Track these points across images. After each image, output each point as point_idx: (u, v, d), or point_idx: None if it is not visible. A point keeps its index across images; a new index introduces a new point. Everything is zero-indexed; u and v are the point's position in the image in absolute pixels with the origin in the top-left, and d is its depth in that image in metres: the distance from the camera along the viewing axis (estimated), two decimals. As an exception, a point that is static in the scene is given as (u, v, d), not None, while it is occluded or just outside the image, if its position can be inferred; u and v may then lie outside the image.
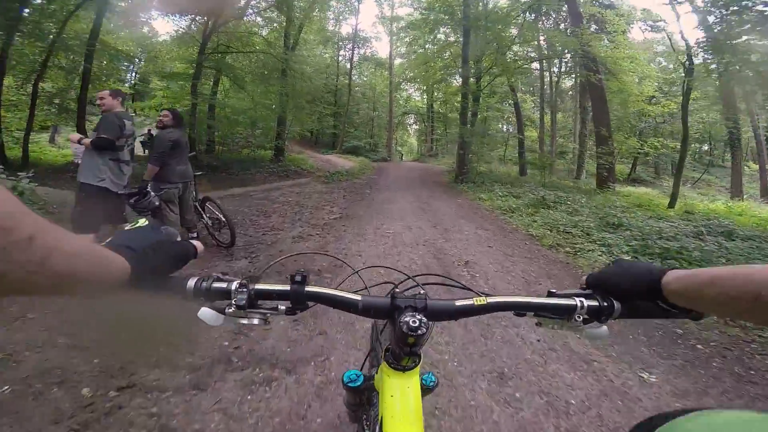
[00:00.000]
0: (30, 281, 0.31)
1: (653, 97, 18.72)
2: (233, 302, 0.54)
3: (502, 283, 3.82)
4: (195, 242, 0.58)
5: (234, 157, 14.58)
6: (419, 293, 0.57)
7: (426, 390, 0.78)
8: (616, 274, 0.57)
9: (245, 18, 14.77)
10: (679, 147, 12.62)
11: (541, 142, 19.44)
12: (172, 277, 0.54)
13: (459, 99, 15.89)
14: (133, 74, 22.30)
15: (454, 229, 6.24)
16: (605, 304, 0.56)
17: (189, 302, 0.54)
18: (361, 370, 0.87)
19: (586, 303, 0.56)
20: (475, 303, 0.57)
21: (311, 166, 16.10)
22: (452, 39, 18.81)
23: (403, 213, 7.47)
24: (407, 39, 25.40)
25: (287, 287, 0.57)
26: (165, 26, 60.39)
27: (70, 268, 0.35)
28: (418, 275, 0.76)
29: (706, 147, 29.97)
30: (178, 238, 0.58)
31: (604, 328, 0.58)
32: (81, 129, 11.13)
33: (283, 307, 0.57)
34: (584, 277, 0.62)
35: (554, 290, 0.61)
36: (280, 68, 14.32)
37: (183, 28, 14.13)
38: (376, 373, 0.77)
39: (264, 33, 15.78)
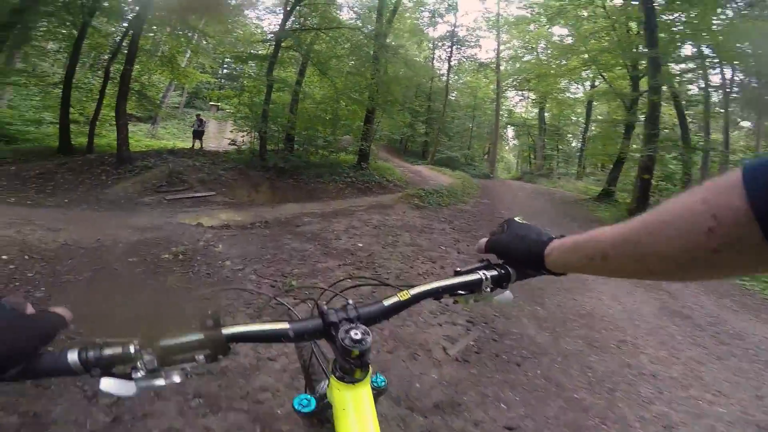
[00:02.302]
0: None
1: None
2: (140, 366, 0.45)
3: None
4: (59, 309, 0.47)
5: (310, 159, 11.86)
6: (348, 303, 0.57)
7: (378, 392, 0.72)
8: (511, 242, 0.63)
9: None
10: None
11: None
12: (41, 354, 0.43)
13: (611, 102, 11.42)
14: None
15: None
16: (503, 272, 0.62)
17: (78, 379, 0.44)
18: (306, 392, 0.83)
19: (489, 274, 0.62)
20: (401, 298, 0.60)
21: (399, 178, 12.76)
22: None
23: (637, 317, 3.58)
24: (519, 34, 21.24)
25: (200, 335, 0.48)
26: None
27: None
28: (333, 284, 0.80)
29: None
30: (29, 309, 0.45)
31: (508, 292, 0.65)
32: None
33: (201, 357, 0.48)
34: (483, 240, 0.67)
35: (459, 269, 0.64)
36: (370, 51, 11.38)
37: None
38: (327, 387, 0.68)
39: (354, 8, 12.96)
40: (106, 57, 10.63)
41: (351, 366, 0.54)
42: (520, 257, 0.61)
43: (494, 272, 0.62)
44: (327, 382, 0.70)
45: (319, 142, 12.92)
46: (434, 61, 25.81)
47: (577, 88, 24.07)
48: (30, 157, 9.07)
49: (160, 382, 0.46)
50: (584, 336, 3.15)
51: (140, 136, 16.64)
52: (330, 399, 0.64)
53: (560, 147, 27.43)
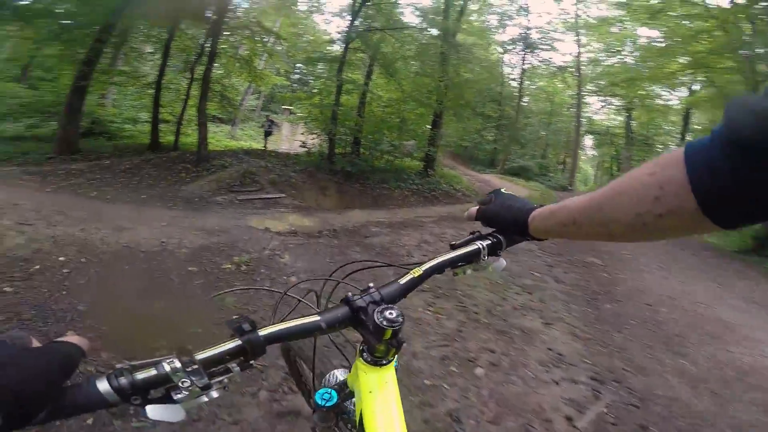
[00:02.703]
0: None
1: None
2: (182, 385, 0.42)
3: None
4: (74, 338, 0.44)
5: (375, 164, 11.57)
6: (370, 287, 0.58)
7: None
8: (499, 211, 0.67)
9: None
10: None
11: None
12: (65, 388, 0.40)
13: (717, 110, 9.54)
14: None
15: None
16: (495, 240, 0.67)
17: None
18: (312, 390, 0.82)
19: (484, 243, 0.66)
20: (414, 275, 0.61)
21: (467, 187, 12.00)
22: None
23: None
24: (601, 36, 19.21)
25: (237, 341, 0.46)
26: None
27: None
28: (333, 272, 0.79)
29: None
30: (34, 343, 0.42)
31: (502, 260, 0.68)
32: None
33: (236, 366, 0.47)
34: (473, 209, 0.71)
35: (454, 242, 0.68)
36: (437, 52, 10.81)
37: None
38: (349, 375, 0.73)
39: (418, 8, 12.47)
40: (192, 59, 11.25)
41: (387, 346, 0.55)
42: (508, 225, 0.65)
43: (488, 241, 0.67)
44: (342, 371, 0.79)
45: (384, 147, 12.62)
46: (504, 66, 24.37)
47: (671, 94, 21.28)
48: (125, 152, 9.84)
49: (203, 399, 0.44)
50: (760, 401, 2.30)
51: (221, 137, 17.67)
52: (352, 386, 0.66)
53: (648, 158, 24.47)
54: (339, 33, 12.71)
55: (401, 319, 0.53)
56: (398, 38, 11.50)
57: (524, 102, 24.12)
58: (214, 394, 0.45)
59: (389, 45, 11.76)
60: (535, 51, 22.77)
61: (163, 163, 8.29)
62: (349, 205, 8.87)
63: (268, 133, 14.11)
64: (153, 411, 0.41)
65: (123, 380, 0.40)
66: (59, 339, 0.43)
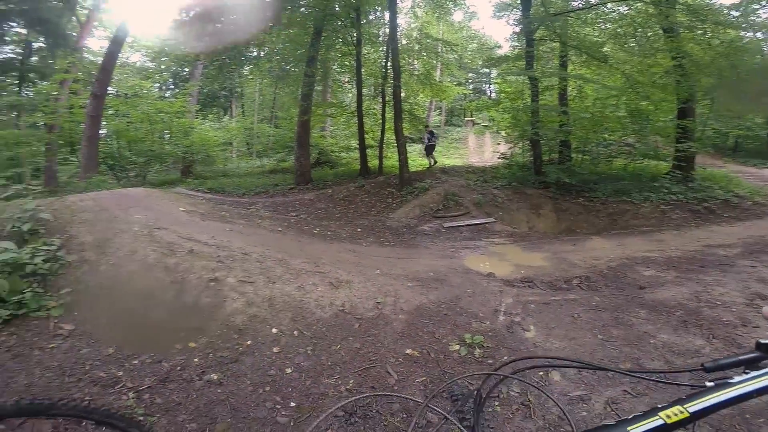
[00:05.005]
0: None
1: None
2: None
3: None
4: None
5: (599, 170, 9.18)
6: None
7: None
8: None
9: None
10: None
11: None
12: None
13: None
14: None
15: None
16: None
17: None
18: None
19: None
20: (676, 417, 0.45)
21: (753, 191, 7.99)
22: None
23: None
24: None
25: None
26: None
27: None
28: (501, 366, 0.50)
29: None
30: None
31: None
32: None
33: None
34: None
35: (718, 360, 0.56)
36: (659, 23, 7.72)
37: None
38: None
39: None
40: (379, 81, 11.72)
41: None
42: None
43: None
44: None
45: (610, 148, 9.89)
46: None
47: None
48: (342, 179, 10.92)
49: None
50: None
51: (414, 156, 18.35)
52: None
53: None
54: (515, 23, 11.03)
55: None
56: (599, 15, 8.97)
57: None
58: None
59: (581, 27, 9.35)
60: None
61: (373, 189, 8.57)
62: (573, 226, 7.03)
63: (430, 148, 12.28)
64: None
65: None
66: None
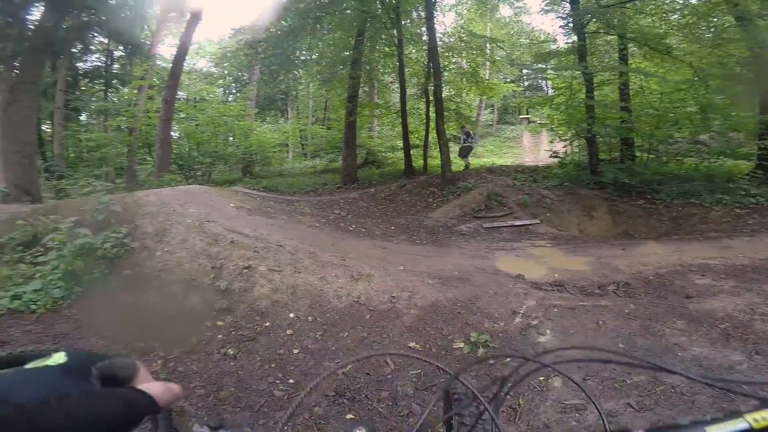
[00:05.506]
0: None
1: None
2: None
3: None
4: (158, 385, 0.39)
5: (665, 170, 8.37)
6: None
7: None
8: None
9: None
10: None
11: None
12: None
13: None
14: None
15: None
16: None
17: None
18: None
19: None
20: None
21: None
22: None
23: None
24: None
25: None
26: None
27: None
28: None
29: None
30: (140, 374, 0.41)
31: None
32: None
33: None
34: None
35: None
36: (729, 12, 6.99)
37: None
38: None
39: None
40: (422, 81, 11.65)
41: None
42: None
43: None
44: None
45: (677, 146, 8.95)
46: None
47: None
48: (387, 179, 11.10)
49: None
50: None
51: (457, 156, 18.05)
52: None
53: None
54: (565, 16, 10.26)
55: None
56: (658, 6, 8.24)
57: None
58: None
59: (640, 17, 8.49)
60: None
61: (414, 188, 8.62)
62: (630, 230, 6.51)
63: (466, 149, 11.67)
64: None
65: None
66: (142, 385, 0.39)
